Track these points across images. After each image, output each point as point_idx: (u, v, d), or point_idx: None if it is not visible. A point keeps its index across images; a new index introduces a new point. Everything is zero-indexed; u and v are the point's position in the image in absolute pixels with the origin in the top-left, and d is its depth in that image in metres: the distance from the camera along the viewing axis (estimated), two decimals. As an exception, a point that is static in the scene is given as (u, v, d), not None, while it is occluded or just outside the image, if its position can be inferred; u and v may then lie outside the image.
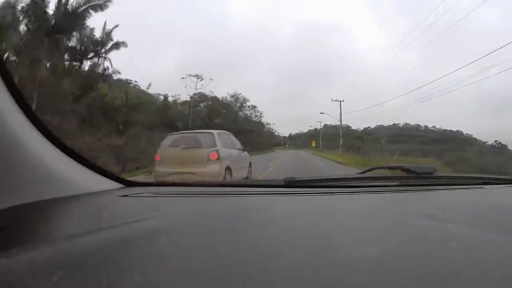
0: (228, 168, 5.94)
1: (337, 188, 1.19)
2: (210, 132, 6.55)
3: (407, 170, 1.32)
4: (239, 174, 6.38)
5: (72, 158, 0.98)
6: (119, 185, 1.13)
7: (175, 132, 7.32)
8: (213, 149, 5.90)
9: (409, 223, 0.74)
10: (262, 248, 0.56)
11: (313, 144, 47.81)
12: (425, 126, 48.94)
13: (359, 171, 1.56)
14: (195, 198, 1.08)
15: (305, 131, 63.08)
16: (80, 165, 1.01)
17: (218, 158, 5.82)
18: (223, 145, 6.27)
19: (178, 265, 0.48)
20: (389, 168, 1.56)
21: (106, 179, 1.10)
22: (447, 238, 0.62)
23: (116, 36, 18.17)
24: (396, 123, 51.34)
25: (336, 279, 0.44)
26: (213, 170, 5.62)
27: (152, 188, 1.17)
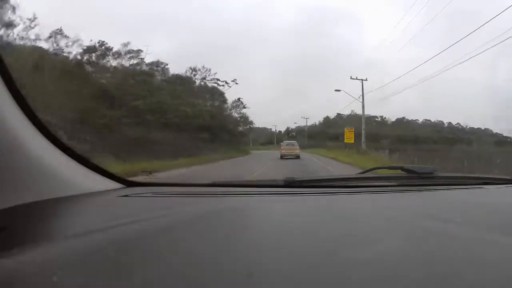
0: (300, 153, 18.77)
1: (337, 188, 1.19)
2: (296, 142, 20.85)
3: (407, 170, 1.32)
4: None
5: (73, 158, 0.98)
6: (120, 185, 1.13)
7: (287, 141, 21.34)
8: (297, 146, 19.22)
9: (409, 223, 0.74)
10: (262, 248, 0.56)
11: (349, 137, 21.89)
12: (449, 123, 37.24)
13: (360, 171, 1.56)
14: (195, 198, 1.08)
15: (312, 122, 44.13)
16: (81, 165, 1.01)
17: (298, 149, 18.87)
18: (297, 145, 19.78)
19: (179, 264, 0.48)
20: (389, 168, 1.56)
21: (107, 179, 1.10)
22: (447, 238, 0.62)
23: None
24: (414, 118, 38.56)
25: (337, 278, 0.44)
26: (297, 152, 18.28)
27: (152, 188, 1.17)
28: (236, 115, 29.47)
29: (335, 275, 0.45)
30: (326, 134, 32.98)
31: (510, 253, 0.54)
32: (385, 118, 37.63)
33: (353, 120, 31.49)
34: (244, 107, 29.75)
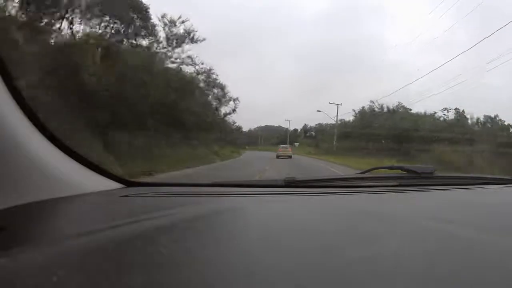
0: (292, 154, 22.93)
1: (337, 188, 1.19)
2: (289, 145, 28.80)
3: (407, 170, 1.32)
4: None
5: (73, 158, 0.98)
6: (120, 185, 1.13)
7: (283, 144, 28.26)
8: (290, 148, 25.23)
9: (409, 223, 0.74)
10: (262, 248, 0.56)
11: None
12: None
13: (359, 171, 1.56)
14: (195, 198, 1.08)
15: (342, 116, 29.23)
16: (81, 165, 1.01)
17: (291, 151, 23.77)
18: (290, 147, 26.79)
19: (179, 264, 0.48)
20: (390, 168, 1.56)
21: (107, 179, 1.10)
22: (447, 238, 0.62)
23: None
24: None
25: (336, 278, 0.44)
26: (290, 153, 22.55)
27: (153, 188, 1.17)
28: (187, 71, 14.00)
29: (335, 275, 0.45)
30: (366, 135, 20.33)
31: (510, 254, 0.54)
32: (462, 111, 21.13)
33: (405, 117, 21.22)
34: (202, 63, 14.23)
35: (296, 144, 42.26)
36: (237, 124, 29.51)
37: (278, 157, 21.13)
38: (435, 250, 0.55)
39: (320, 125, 34.61)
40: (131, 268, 0.46)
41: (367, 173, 1.48)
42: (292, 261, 0.50)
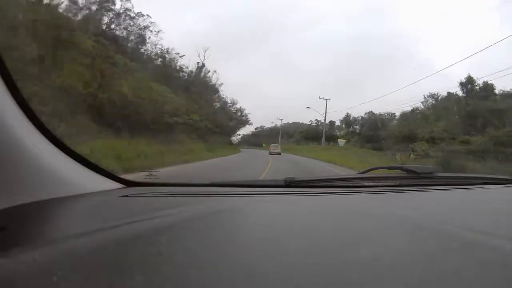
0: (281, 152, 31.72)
1: (337, 188, 1.19)
2: (279, 145, 36.27)
3: (407, 170, 1.32)
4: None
5: (72, 158, 0.98)
6: (120, 185, 1.13)
7: (274, 144, 36.69)
8: (280, 147, 32.85)
9: (409, 223, 0.74)
10: (262, 248, 0.56)
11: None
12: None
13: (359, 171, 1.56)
14: (195, 198, 1.08)
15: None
16: (80, 165, 1.01)
17: (280, 149, 31.75)
18: (280, 146, 35.24)
19: (178, 265, 0.48)
20: (389, 168, 1.56)
21: (107, 179, 1.10)
22: (447, 238, 0.62)
23: None
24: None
25: (336, 279, 0.44)
26: (279, 151, 30.58)
27: (152, 188, 1.17)
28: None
29: (335, 275, 0.45)
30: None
31: (509, 254, 0.54)
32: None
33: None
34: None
35: (341, 142, 29.15)
36: (238, 109, 32.40)
37: (270, 153, 27.52)
38: (435, 250, 0.55)
39: (371, 114, 22.46)
40: (131, 268, 0.46)
41: (367, 173, 1.48)
42: (292, 261, 0.50)
